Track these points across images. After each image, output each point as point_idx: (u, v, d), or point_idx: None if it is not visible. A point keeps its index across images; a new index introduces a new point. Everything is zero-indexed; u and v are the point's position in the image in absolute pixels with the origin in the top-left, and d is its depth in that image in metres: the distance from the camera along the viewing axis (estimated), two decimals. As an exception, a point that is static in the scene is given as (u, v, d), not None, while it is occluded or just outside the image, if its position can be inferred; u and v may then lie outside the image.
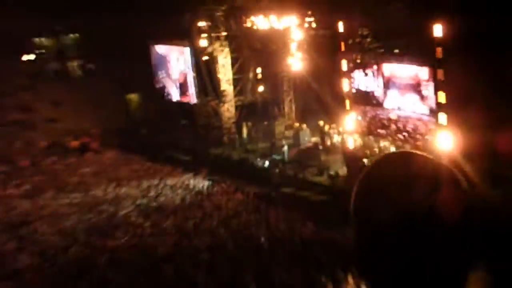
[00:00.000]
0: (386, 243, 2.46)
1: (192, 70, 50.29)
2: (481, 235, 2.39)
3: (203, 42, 47.33)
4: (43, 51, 62.03)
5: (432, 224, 2.39)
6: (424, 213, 2.40)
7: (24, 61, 58.46)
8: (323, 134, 42.87)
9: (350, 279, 26.76)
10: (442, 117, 33.09)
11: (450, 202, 2.40)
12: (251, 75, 49.46)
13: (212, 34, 47.25)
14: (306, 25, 41.09)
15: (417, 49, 35.24)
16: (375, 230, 2.50)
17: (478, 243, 2.38)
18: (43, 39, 62.13)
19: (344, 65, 37.88)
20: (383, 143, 38.53)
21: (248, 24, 43.82)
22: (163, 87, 54.31)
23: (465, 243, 2.39)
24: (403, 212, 2.42)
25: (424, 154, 2.69)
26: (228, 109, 48.51)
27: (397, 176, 2.51)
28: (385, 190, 2.52)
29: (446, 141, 32.55)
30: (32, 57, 60.20)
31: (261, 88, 49.88)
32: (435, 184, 2.44)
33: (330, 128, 42.75)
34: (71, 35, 62.62)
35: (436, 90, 34.18)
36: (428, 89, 35.82)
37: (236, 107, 48.74)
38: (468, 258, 2.39)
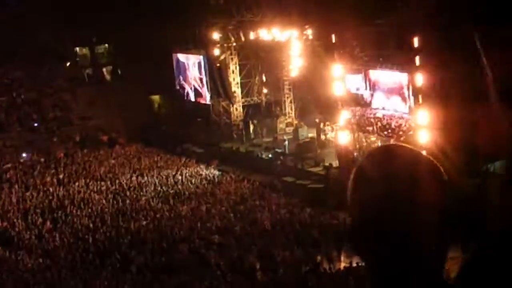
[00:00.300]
0: (375, 226, 2.36)
1: (206, 75, 49.99)
2: (457, 220, 2.40)
3: (216, 51, 47.07)
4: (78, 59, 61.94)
5: (414, 210, 2.32)
6: (407, 200, 2.32)
7: (64, 67, 58.24)
8: (319, 131, 42.33)
9: (343, 257, 26.34)
10: (421, 115, 32.95)
11: (430, 190, 2.35)
12: (256, 79, 49.42)
13: (224, 44, 46.96)
14: (304, 37, 40.81)
15: (398, 58, 34.99)
16: (366, 216, 2.40)
17: (455, 227, 2.39)
18: (81, 48, 62.08)
19: (337, 71, 37.62)
20: (371, 139, 38.15)
21: (255, 36, 43.54)
22: (183, 89, 54.23)
23: (444, 227, 2.36)
24: (390, 198, 2.33)
25: (408, 146, 2.52)
26: (237, 109, 48.32)
27: (384, 166, 2.41)
28: (374, 179, 2.40)
29: (425, 137, 32.30)
30: (71, 63, 60.04)
31: (265, 91, 49.55)
32: (417, 172, 2.37)
33: (325, 125, 42.16)
34: (104, 45, 62.58)
35: (414, 93, 34.02)
36: (408, 92, 35.64)
37: (244, 107, 48.62)
38: (446, 240, 2.39)
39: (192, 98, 53.27)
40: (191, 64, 52.70)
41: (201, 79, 51.56)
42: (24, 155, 45.18)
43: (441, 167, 2.44)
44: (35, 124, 52.04)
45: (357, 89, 39.50)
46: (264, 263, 25.75)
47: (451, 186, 2.42)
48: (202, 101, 51.84)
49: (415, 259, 2.35)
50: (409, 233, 2.32)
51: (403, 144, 2.51)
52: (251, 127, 46.70)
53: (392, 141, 36.30)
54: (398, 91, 37.12)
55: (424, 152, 2.44)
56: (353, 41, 37.66)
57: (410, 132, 35.58)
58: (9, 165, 42.36)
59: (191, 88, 53.15)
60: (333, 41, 37.30)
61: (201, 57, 50.18)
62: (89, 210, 33.35)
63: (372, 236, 2.39)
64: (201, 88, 51.78)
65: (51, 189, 37.01)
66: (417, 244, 2.33)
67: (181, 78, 54.00)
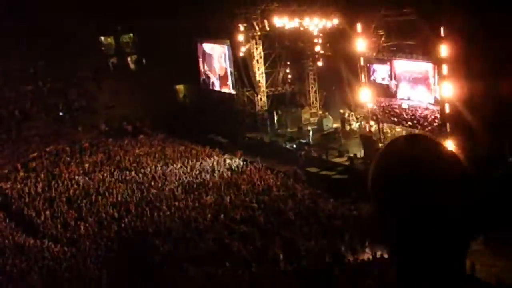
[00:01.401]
0: (400, 214, 2.40)
1: (231, 64, 50.06)
2: (480, 213, 2.41)
3: (240, 41, 46.87)
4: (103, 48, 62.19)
5: (437, 197, 2.35)
6: (431, 188, 2.36)
7: (89, 56, 58.50)
8: (343, 121, 42.26)
9: (367, 248, 26.35)
10: (446, 106, 32.62)
11: (453, 179, 2.39)
12: (281, 69, 49.26)
13: (249, 34, 46.86)
14: (330, 26, 40.65)
15: (424, 48, 34.87)
16: (390, 204, 2.44)
17: (477, 220, 2.40)
18: (106, 37, 62.34)
19: (362, 60, 37.56)
20: (396, 129, 38.11)
21: (280, 25, 43.43)
22: (208, 79, 54.43)
23: (465, 219, 2.38)
24: (413, 187, 2.37)
25: (431, 136, 2.57)
26: (261, 99, 48.28)
27: (406, 155, 2.45)
28: (397, 167, 2.44)
29: (450, 127, 32.17)
30: (96, 53, 60.26)
31: (290, 81, 49.39)
32: (440, 162, 2.41)
33: (349, 115, 42.00)
34: (129, 35, 62.76)
35: (440, 83, 33.76)
36: (434, 82, 35.54)
37: (268, 97, 48.54)
38: (468, 231, 2.41)
39: (217, 88, 53.45)
40: (216, 54, 52.90)
41: (225, 69, 51.71)
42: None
43: (464, 160, 2.48)
44: (61, 114, 52.42)
45: (383, 79, 39.51)
46: (288, 253, 25.83)
47: (474, 179, 2.45)
48: (227, 91, 51.94)
49: (437, 247, 2.38)
50: (429, 221, 2.36)
51: (428, 135, 2.51)
52: (276, 117, 46.70)
53: (417, 132, 36.35)
54: (423, 81, 37.08)
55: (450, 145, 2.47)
56: (379, 30, 37.58)
57: (436, 124, 35.54)
58: (34, 154, 42.71)
59: (216, 78, 53.35)
60: (359, 30, 37.19)
61: (226, 47, 50.29)
62: (114, 199, 33.54)
63: (394, 221, 2.43)
64: (225, 78, 51.96)
65: (76, 178, 37.31)
66: (438, 232, 2.36)
67: (206, 67, 54.19)
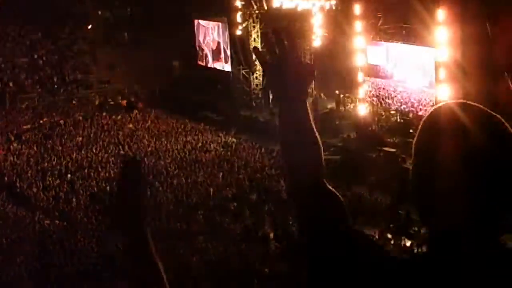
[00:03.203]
0: (443, 182, 2.35)
1: (225, 39, 49.93)
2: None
3: (238, 18, 46.74)
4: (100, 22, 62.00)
5: (481, 169, 2.30)
6: (475, 158, 2.31)
7: (85, 29, 58.31)
8: (338, 102, 42.29)
9: (357, 227, 26.34)
10: (442, 90, 32.83)
11: (498, 152, 2.32)
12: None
13: (246, 12, 46.69)
14: (328, 6, 40.59)
15: (422, 31, 34.84)
16: (432, 171, 2.38)
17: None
18: (103, 11, 62.12)
19: (359, 42, 37.52)
20: (390, 112, 38.16)
21: (277, 4, 43.33)
22: (202, 51, 54.29)
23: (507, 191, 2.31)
24: (459, 155, 2.32)
25: (481, 107, 2.45)
26: (257, 77, 48.11)
27: (454, 122, 2.38)
28: (444, 133, 2.39)
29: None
30: (92, 26, 60.06)
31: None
32: (488, 132, 2.35)
33: (344, 96, 42.01)
34: (126, 9, 62.54)
35: (436, 67, 33.76)
36: (430, 66, 35.54)
37: (264, 76, 48.30)
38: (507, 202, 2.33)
39: (210, 61, 53.34)
40: (211, 29, 52.81)
41: (218, 43, 51.59)
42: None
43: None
44: (55, 86, 52.29)
45: (379, 62, 39.46)
46: (279, 233, 25.89)
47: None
48: (219, 66, 51.83)
49: (475, 215, 2.35)
50: (477, 193, 2.32)
51: (474, 104, 2.49)
52: (271, 96, 46.65)
53: (411, 116, 36.46)
54: (420, 65, 37.05)
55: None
56: (376, 12, 37.55)
57: (430, 107, 35.52)
58: (28, 126, 42.66)
59: (209, 51, 53.25)
60: (357, 12, 37.13)
61: (220, 24, 50.23)
62: (106, 174, 33.54)
63: (437, 194, 2.39)
64: (218, 52, 51.88)
65: (69, 152, 37.31)
66: (483, 206, 2.33)
67: (201, 40, 54.02)
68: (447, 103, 2.52)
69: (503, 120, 2.42)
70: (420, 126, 2.51)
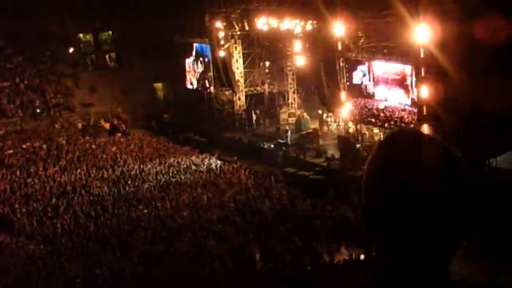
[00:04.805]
0: (392, 210, 2.38)
1: (210, 63, 50.11)
2: (472, 209, 2.37)
3: (220, 40, 46.89)
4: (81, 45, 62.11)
5: (433, 198, 2.32)
6: (426, 187, 2.31)
7: (67, 53, 58.33)
8: (321, 122, 42.46)
9: (343, 249, 26.44)
10: (423, 108, 33.00)
11: (449, 179, 2.33)
12: (260, 69, 49.37)
13: (228, 33, 46.89)
14: (309, 26, 40.87)
15: (403, 50, 35.12)
16: (382, 198, 2.42)
17: (470, 216, 2.37)
18: (84, 34, 62.26)
19: (340, 61, 37.74)
20: (373, 130, 38.32)
21: (259, 25, 43.59)
22: (187, 77, 54.53)
23: (459, 216, 2.34)
24: (408, 183, 2.33)
25: (431, 135, 2.50)
26: (240, 98, 48.37)
27: (404, 151, 2.40)
28: (393, 161, 2.40)
29: (428, 129, 32.38)
30: (74, 49, 60.10)
31: (268, 81, 49.54)
32: (438, 161, 2.35)
33: (327, 116, 42.21)
34: (107, 32, 62.70)
35: (417, 85, 34.00)
36: (411, 84, 35.81)
37: (247, 97, 48.61)
38: (462, 229, 2.37)
39: (195, 86, 53.66)
40: (194, 52, 53.13)
41: (205, 67, 51.93)
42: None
43: (461, 159, 2.40)
44: (38, 110, 52.17)
45: (361, 80, 39.66)
46: (265, 254, 25.87)
47: (469, 175, 2.39)
48: (205, 90, 52.09)
49: (427, 249, 2.35)
50: (424, 222, 2.31)
51: (418, 130, 2.50)
52: (254, 117, 46.85)
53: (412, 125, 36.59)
54: (401, 83, 37.28)
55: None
56: (357, 31, 37.79)
57: (412, 125, 35.71)
58: (11, 151, 42.48)
59: (194, 76, 53.61)
60: (338, 32, 37.35)
61: (205, 45, 50.43)
62: (90, 197, 33.42)
63: (386, 223, 2.40)
64: (204, 76, 52.19)
65: (52, 176, 37.10)
66: (432, 231, 2.33)
67: (187, 61, 54.27)
68: (404, 129, 2.52)
69: (453, 150, 2.42)
70: (375, 147, 2.51)
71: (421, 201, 2.31)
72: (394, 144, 2.45)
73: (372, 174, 2.48)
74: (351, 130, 38.59)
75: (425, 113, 32.76)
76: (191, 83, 54.44)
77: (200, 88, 53.27)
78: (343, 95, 38.44)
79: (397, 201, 2.34)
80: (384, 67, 38.40)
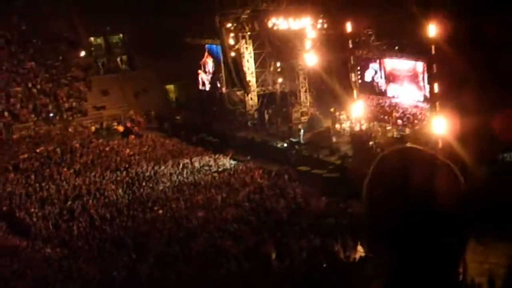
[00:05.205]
0: (391, 224, 2.40)
1: (222, 64, 50.16)
2: (473, 216, 2.43)
3: (231, 40, 47.03)
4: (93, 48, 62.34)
5: (430, 211, 2.35)
6: (423, 201, 2.35)
7: (79, 56, 58.54)
8: (334, 120, 42.33)
9: (359, 246, 26.38)
10: (436, 104, 33.14)
11: (446, 192, 2.37)
12: (271, 68, 49.48)
13: (239, 34, 47.01)
14: (319, 25, 40.87)
15: (414, 46, 35.09)
16: (382, 214, 2.43)
17: (471, 223, 2.42)
18: (95, 38, 62.51)
19: (352, 60, 37.69)
20: (386, 128, 38.24)
21: (269, 25, 43.64)
22: (199, 78, 54.61)
23: (459, 226, 2.40)
24: (405, 199, 2.37)
25: (424, 149, 2.55)
26: (252, 98, 48.44)
27: (398, 168, 2.45)
28: (390, 179, 2.45)
29: (439, 126, 32.41)
30: (86, 53, 60.30)
31: (280, 80, 49.53)
32: (434, 176, 2.40)
33: (340, 114, 42.09)
34: (118, 35, 62.93)
35: (430, 81, 34.05)
36: (423, 80, 35.76)
37: (259, 96, 48.60)
38: (462, 239, 2.42)
39: (207, 87, 53.75)
40: (207, 53, 53.23)
41: (216, 68, 52.08)
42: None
43: (457, 170, 2.46)
44: (51, 115, 52.35)
45: (372, 78, 39.62)
46: (280, 252, 25.85)
47: (467, 184, 2.44)
48: (217, 90, 52.18)
49: (432, 258, 2.37)
50: (425, 232, 2.34)
51: (419, 147, 2.54)
52: (266, 116, 46.82)
53: (407, 130, 36.59)
54: (413, 79, 37.24)
55: (440, 153, 2.46)
56: (368, 29, 37.76)
57: (425, 121, 35.70)
58: (25, 156, 42.62)
59: (207, 77, 53.76)
60: (348, 30, 37.33)
61: (217, 46, 50.63)
62: (105, 200, 33.48)
63: (387, 236, 2.41)
64: (216, 77, 52.32)
65: (67, 179, 37.17)
66: (433, 243, 2.35)
67: (201, 63, 54.38)
68: (393, 149, 2.57)
69: (451, 165, 2.47)
70: (373, 167, 2.54)
71: (424, 211, 2.33)
72: (389, 162, 2.49)
73: (376, 187, 2.49)
74: (364, 128, 38.51)
75: (437, 109, 32.76)
76: (203, 84, 54.56)
77: (212, 89, 53.39)
78: (355, 93, 38.38)
79: (402, 211, 2.36)
80: (395, 64, 38.37)
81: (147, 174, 37.23)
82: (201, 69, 54.46)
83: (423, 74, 35.86)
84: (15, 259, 27.26)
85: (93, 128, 50.00)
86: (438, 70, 32.64)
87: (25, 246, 28.83)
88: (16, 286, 24.72)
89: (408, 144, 2.64)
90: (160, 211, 31.33)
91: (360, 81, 39.36)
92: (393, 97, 38.92)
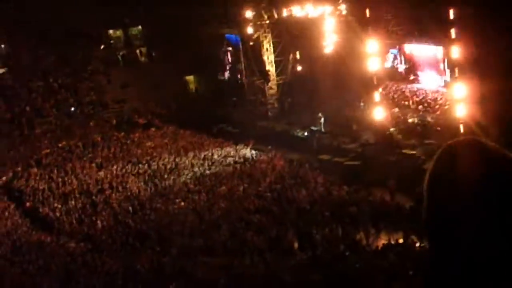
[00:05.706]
0: (457, 220, 2.30)
1: (241, 53, 50.12)
2: None
3: (249, 29, 46.97)
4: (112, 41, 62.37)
5: (494, 209, 2.24)
6: (488, 198, 2.25)
7: (98, 49, 58.62)
8: (354, 107, 42.12)
9: (381, 234, 26.40)
10: (457, 89, 32.85)
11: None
12: (291, 57, 49.25)
13: (257, 22, 46.86)
14: (338, 12, 40.74)
15: (434, 31, 34.89)
16: (446, 210, 2.35)
17: None
18: (114, 30, 62.53)
19: (371, 46, 37.51)
20: (407, 114, 38.08)
21: (288, 13, 43.51)
22: (219, 68, 54.62)
23: None
24: (472, 195, 2.27)
25: (488, 143, 2.41)
26: (271, 87, 48.20)
27: (473, 165, 2.33)
28: (465, 180, 2.32)
29: (461, 110, 32.28)
30: (104, 46, 60.35)
31: (299, 68, 49.34)
32: (500, 171, 2.28)
33: (360, 101, 41.86)
34: (137, 27, 62.89)
35: (450, 66, 33.68)
36: (444, 65, 35.61)
37: (278, 85, 48.41)
38: None
39: (227, 77, 53.77)
40: (226, 43, 53.20)
41: (235, 57, 51.98)
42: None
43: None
44: (72, 109, 52.54)
45: (392, 64, 39.48)
46: (303, 242, 25.90)
47: None
48: (237, 80, 52.16)
49: (493, 263, 2.26)
50: (490, 232, 2.25)
51: (484, 140, 2.43)
52: (286, 105, 46.76)
53: (428, 116, 36.42)
54: (433, 64, 37.11)
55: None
56: (387, 15, 37.60)
57: (446, 106, 35.55)
58: (47, 151, 42.85)
59: (227, 67, 53.75)
60: (367, 16, 37.18)
61: (236, 36, 50.66)
62: (128, 193, 33.66)
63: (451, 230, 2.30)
64: (235, 67, 52.22)
65: (89, 173, 37.41)
66: (497, 247, 2.25)
67: (219, 57, 54.32)
68: (465, 139, 2.46)
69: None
70: (436, 157, 2.46)
71: (485, 209, 2.24)
72: (453, 155, 2.39)
73: (436, 185, 2.42)
74: (384, 114, 38.38)
75: (458, 94, 32.61)
76: (223, 74, 54.58)
77: (231, 79, 53.40)
78: (375, 79, 38.23)
79: (462, 210, 2.28)
80: (416, 50, 38.24)
81: (169, 166, 37.32)
82: (220, 59, 54.44)
83: (444, 58, 35.72)
84: (39, 254, 27.51)
85: (114, 121, 50.08)
86: (458, 54, 32.46)
87: (49, 242, 29.08)
88: (41, 282, 24.97)
89: (470, 137, 2.50)
90: (182, 203, 31.45)
91: (380, 67, 39.20)
92: (414, 82, 38.81)
